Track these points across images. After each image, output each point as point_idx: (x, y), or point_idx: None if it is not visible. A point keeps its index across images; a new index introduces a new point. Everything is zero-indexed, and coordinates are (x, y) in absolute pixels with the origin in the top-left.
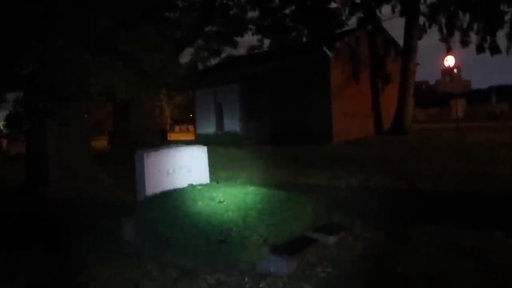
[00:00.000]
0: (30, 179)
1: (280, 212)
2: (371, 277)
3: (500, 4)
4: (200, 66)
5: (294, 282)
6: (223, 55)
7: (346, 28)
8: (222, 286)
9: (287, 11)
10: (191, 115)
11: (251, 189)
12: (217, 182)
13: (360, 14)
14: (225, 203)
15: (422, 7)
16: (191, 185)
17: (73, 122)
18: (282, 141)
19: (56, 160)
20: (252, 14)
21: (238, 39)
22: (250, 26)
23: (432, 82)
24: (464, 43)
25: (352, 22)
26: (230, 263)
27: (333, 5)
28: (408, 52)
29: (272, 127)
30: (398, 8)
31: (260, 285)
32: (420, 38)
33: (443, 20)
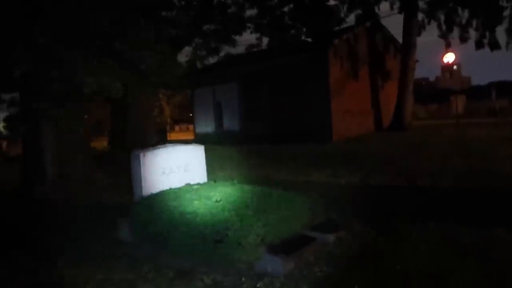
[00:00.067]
0: (26, 180)
1: (277, 211)
2: (370, 276)
3: (499, 0)
4: (198, 65)
5: (291, 282)
6: (222, 53)
7: (344, 25)
8: (219, 286)
9: (285, 9)
10: (191, 115)
11: (248, 188)
12: (215, 181)
13: (359, 11)
14: (221, 202)
15: (421, 4)
16: (188, 185)
17: (69, 123)
18: (281, 139)
19: (52, 161)
20: (250, 12)
21: (237, 37)
22: (249, 25)
23: (432, 78)
24: (463, 39)
25: (351, 19)
26: (227, 263)
27: (332, 2)
28: (407, 49)
29: (271, 125)
30: (396, 5)
31: (257, 285)
32: (419, 34)
33: (442, 17)
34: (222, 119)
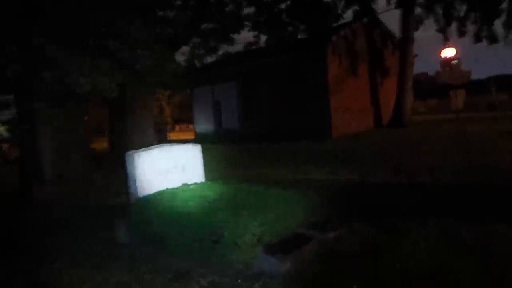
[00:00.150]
0: (25, 181)
1: (274, 210)
2: (369, 275)
3: None
4: (197, 64)
5: (289, 281)
6: (220, 52)
7: (342, 21)
8: None
9: (282, 6)
10: (191, 114)
11: (245, 187)
12: (212, 181)
13: (356, 7)
14: (217, 202)
15: None
16: (185, 185)
17: (67, 123)
18: (281, 137)
19: (50, 162)
20: (248, 10)
21: (235, 36)
22: (246, 23)
23: (431, 73)
24: (461, 32)
25: (348, 15)
26: (224, 263)
27: None
28: (405, 44)
29: (271, 123)
30: (394, 0)
31: (254, 286)
32: (416, 29)
33: (440, 11)
34: (221, 118)
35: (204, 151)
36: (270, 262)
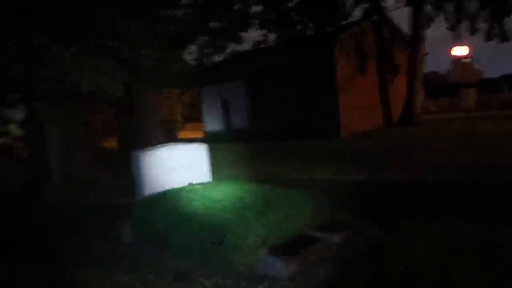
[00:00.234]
0: (32, 181)
1: (279, 211)
2: (375, 278)
3: None
4: (205, 63)
5: (293, 284)
6: (228, 51)
7: (351, 19)
8: None
9: (291, 4)
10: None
11: (250, 187)
12: (218, 181)
13: (365, 5)
14: (222, 202)
15: None
16: (190, 184)
17: (73, 123)
18: (289, 136)
19: (56, 162)
20: (256, 8)
21: (243, 34)
22: (254, 21)
23: (442, 72)
24: (473, 30)
25: (358, 13)
26: (227, 265)
27: None
28: (415, 42)
29: (279, 122)
30: None
31: None
32: (427, 27)
33: (451, 8)
34: (229, 117)
35: (212, 150)
36: (275, 264)
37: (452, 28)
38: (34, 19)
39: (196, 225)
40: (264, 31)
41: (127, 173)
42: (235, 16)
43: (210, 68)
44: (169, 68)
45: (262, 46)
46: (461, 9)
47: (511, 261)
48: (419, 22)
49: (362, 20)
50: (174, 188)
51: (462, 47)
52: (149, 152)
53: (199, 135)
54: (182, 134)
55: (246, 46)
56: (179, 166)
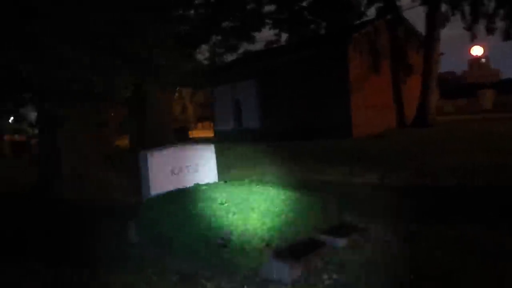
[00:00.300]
0: (42, 180)
1: (284, 213)
2: (382, 285)
3: None
4: (217, 63)
5: None
6: (240, 51)
7: (365, 19)
8: None
9: (304, 3)
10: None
11: (256, 188)
12: (225, 182)
13: (380, 4)
14: (226, 204)
15: None
16: (197, 185)
17: (83, 123)
18: (301, 136)
19: (66, 161)
20: (269, 8)
21: (256, 34)
22: (267, 21)
23: (459, 72)
24: (490, 30)
25: (372, 12)
26: (231, 268)
27: None
28: (430, 42)
29: (291, 122)
30: None
31: None
32: (443, 26)
33: (467, 7)
34: (241, 116)
35: (222, 150)
36: (279, 268)
37: (469, 27)
38: (34, 19)
39: (201, 227)
40: (277, 31)
41: (136, 173)
42: (248, 16)
43: (222, 67)
44: (181, 68)
45: (274, 45)
46: (477, 8)
47: None
48: (435, 22)
49: (376, 20)
50: (180, 188)
51: (479, 47)
52: (155, 152)
53: (211, 134)
54: (194, 134)
55: (258, 46)
56: (186, 167)
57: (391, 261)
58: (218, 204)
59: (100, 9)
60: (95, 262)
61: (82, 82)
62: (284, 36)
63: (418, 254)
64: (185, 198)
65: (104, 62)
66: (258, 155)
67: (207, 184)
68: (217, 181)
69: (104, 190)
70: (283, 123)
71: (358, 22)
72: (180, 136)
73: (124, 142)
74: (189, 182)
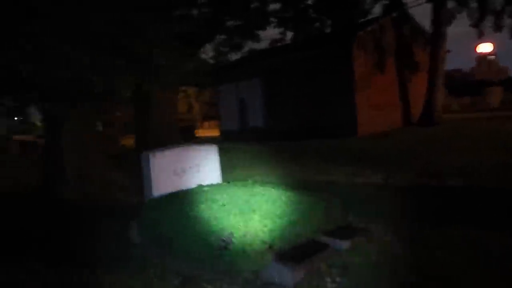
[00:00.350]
0: (45, 181)
1: (287, 215)
2: None
3: None
4: (222, 61)
5: None
6: (245, 49)
7: (370, 16)
8: None
9: (309, 1)
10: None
11: (258, 189)
12: (228, 182)
13: (385, 1)
14: (228, 205)
15: None
16: (199, 186)
17: (86, 123)
18: (306, 135)
19: (70, 161)
20: (273, 6)
21: (260, 32)
22: (272, 19)
23: (466, 70)
24: (498, 27)
25: (377, 10)
26: (232, 271)
27: None
28: (436, 39)
29: (296, 121)
30: None
31: None
32: (449, 24)
33: (474, 4)
34: (246, 115)
35: (226, 149)
36: (281, 270)
37: (476, 24)
38: (34, 19)
39: (202, 229)
40: (282, 29)
41: (140, 173)
42: (253, 14)
43: (227, 66)
44: (182, 67)
45: (279, 44)
46: (485, 5)
47: None
48: (441, 19)
49: (381, 17)
50: (183, 189)
51: (487, 44)
52: (158, 153)
53: (217, 133)
54: (200, 133)
55: (263, 45)
56: (189, 167)
57: (395, 264)
58: (219, 205)
59: (100, 9)
60: (96, 262)
61: (82, 82)
62: (289, 35)
63: (422, 256)
64: (187, 199)
65: (104, 62)
66: (263, 155)
67: (209, 185)
68: (220, 181)
69: (107, 190)
70: (288, 121)
71: (363, 20)
72: (186, 136)
73: (130, 141)
74: (191, 183)
